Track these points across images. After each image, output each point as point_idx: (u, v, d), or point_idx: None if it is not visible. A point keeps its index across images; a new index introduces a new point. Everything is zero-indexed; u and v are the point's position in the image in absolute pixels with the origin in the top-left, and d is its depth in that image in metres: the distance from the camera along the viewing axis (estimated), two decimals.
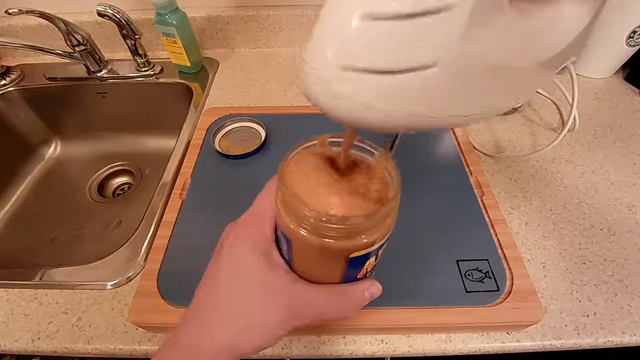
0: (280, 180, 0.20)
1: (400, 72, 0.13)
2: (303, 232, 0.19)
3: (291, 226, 0.19)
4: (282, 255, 0.23)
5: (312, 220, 0.18)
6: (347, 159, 0.21)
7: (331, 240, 0.19)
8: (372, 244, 0.20)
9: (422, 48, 0.13)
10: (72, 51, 0.59)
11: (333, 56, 0.14)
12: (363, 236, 0.19)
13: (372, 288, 0.23)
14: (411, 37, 0.12)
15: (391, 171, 0.21)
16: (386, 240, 0.21)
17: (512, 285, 0.34)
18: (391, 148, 0.22)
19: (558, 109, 0.57)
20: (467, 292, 0.34)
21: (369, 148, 0.21)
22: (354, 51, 0.13)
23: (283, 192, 0.19)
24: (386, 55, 0.13)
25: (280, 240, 0.22)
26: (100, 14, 0.54)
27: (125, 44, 0.60)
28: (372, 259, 0.22)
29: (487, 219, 0.40)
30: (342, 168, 0.21)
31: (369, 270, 0.23)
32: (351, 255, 0.20)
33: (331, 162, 0.21)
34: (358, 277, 0.23)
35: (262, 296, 0.21)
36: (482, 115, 0.17)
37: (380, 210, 0.18)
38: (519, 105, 0.55)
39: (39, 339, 0.34)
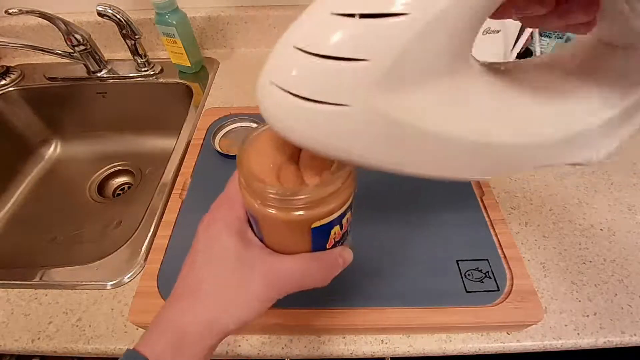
0: (238, 161, 0.21)
1: (315, 101, 0.15)
2: (264, 208, 0.20)
3: (254, 204, 0.20)
4: (255, 235, 0.24)
5: (269, 195, 0.19)
6: None
7: (291, 213, 0.20)
8: (331, 213, 0.21)
9: (335, 87, 0.14)
10: (72, 51, 0.59)
11: (266, 70, 0.16)
12: (321, 206, 0.20)
13: (344, 254, 0.24)
14: (323, 75, 0.14)
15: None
16: (347, 209, 0.22)
17: (512, 285, 0.34)
18: None
19: None
20: (467, 292, 0.34)
21: None
22: (279, 71, 0.16)
23: (241, 171, 0.21)
24: (299, 82, 0.15)
25: (250, 221, 0.24)
26: (100, 14, 0.54)
27: (125, 44, 0.60)
28: (336, 228, 0.22)
29: (487, 219, 0.40)
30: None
31: (337, 240, 0.24)
32: (313, 225, 0.21)
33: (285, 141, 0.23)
34: (327, 247, 0.24)
35: (239, 271, 0.22)
36: (404, 171, 0.18)
37: (328, 180, 0.19)
38: None
39: (39, 339, 0.34)
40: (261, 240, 0.24)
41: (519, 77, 0.18)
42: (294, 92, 0.15)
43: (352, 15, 0.13)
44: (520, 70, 0.19)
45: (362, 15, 0.13)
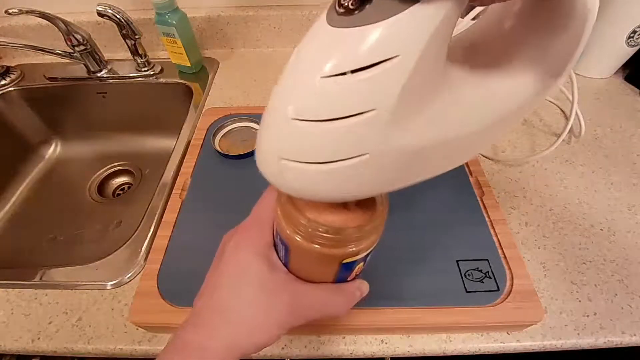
0: (281, 192, 0.21)
1: (335, 162, 0.15)
2: (300, 239, 0.20)
3: (288, 232, 0.20)
4: (278, 257, 0.24)
5: (309, 229, 0.19)
6: None
7: (325, 248, 0.20)
8: (364, 251, 0.21)
9: (350, 144, 0.15)
10: (72, 51, 0.59)
11: (270, 147, 0.16)
12: (353, 245, 0.20)
13: (362, 286, 0.25)
14: (336, 136, 0.14)
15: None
16: (375, 248, 0.22)
17: (512, 285, 0.34)
18: None
19: (562, 111, 0.57)
20: (467, 292, 0.34)
21: None
22: (288, 145, 0.15)
23: (283, 201, 0.21)
24: (313, 151, 0.15)
25: (277, 245, 0.23)
26: (100, 14, 0.54)
27: (125, 44, 0.60)
28: (361, 264, 0.23)
29: (487, 219, 0.40)
30: None
31: (357, 273, 0.25)
32: (344, 261, 0.21)
33: None
34: (348, 279, 0.25)
35: (265, 296, 0.22)
36: (425, 178, 0.19)
37: (370, 223, 0.20)
38: None
39: (39, 339, 0.34)
40: (285, 264, 0.24)
41: (476, 56, 0.19)
42: (311, 160, 0.15)
43: (343, 74, 0.13)
44: (472, 47, 0.20)
45: (354, 71, 0.13)
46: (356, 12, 0.13)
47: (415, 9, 0.12)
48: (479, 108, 0.18)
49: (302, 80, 0.14)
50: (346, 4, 0.13)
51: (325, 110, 0.14)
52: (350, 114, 0.14)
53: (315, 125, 0.14)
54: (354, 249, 0.20)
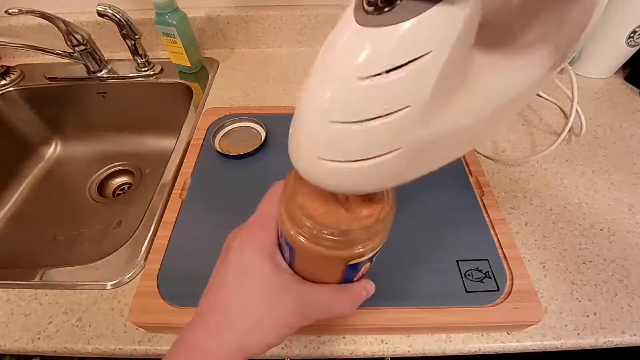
0: (286, 190, 0.21)
1: (372, 158, 0.15)
2: (304, 240, 0.20)
3: (292, 233, 0.20)
4: (283, 258, 0.24)
5: (314, 231, 0.19)
6: None
7: (329, 250, 0.20)
8: (371, 252, 0.21)
9: (386, 141, 0.15)
10: (72, 51, 0.59)
11: (310, 148, 0.17)
12: (360, 246, 0.20)
13: (367, 286, 0.25)
14: (373, 135, 0.15)
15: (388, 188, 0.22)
16: (381, 248, 0.22)
17: (512, 285, 0.34)
18: None
19: (562, 110, 0.57)
20: (467, 292, 0.34)
21: None
22: (326, 147, 0.16)
23: (287, 202, 0.21)
24: (352, 150, 0.15)
25: (282, 245, 0.23)
26: (100, 14, 0.54)
27: (125, 44, 0.60)
28: (367, 265, 0.23)
29: (487, 219, 0.40)
30: None
31: (364, 274, 0.25)
32: (350, 262, 0.21)
33: None
34: (354, 279, 0.24)
35: (270, 296, 0.22)
36: (449, 162, 0.20)
37: (376, 224, 0.20)
38: None
39: (39, 339, 0.34)
40: (289, 265, 0.23)
41: (490, 38, 0.19)
42: (351, 159, 0.16)
43: (379, 74, 0.13)
44: (486, 27, 0.19)
45: (389, 70, 0.13)
46: (386, 9, 0.13)
47: (443, 5, 0.13)
48: (494, 91, 0.18)
49: (339, 83, 0.15)
50: (376, 2, 0.13)
51: (363, 111, 0.14)
52: (387, 113, 0.14)
53: (354, 126, 0.15)
54: (360, 250, 0.20)
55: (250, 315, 0.21)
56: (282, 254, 0.24)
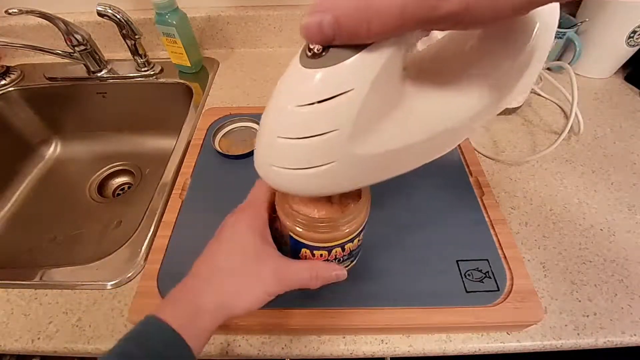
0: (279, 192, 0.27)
1: (311, 168, 0.19)
2: (293, 226, 0.26)
3: (286, 222, 0.26)
4: (274, 238, 0.29)
5: (299, 219, 0.26)
6: None
7: (313, 234, 0.26)
8: (338, 239, 0.27)
9: (320, 155, 0.19)
10: (72, 51, 0.59)
11: (263, 156, 0.21)
12: (344, 228, 0.26)
13: (340, 272, 0.28)
14: (309, 150, 0.19)
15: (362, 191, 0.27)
16: (354, 237, 0.28)
17: (512, 285, 0.34)
18: None
19: (562, 110, 0.57)
20: (467, 292, 0.34)
21: None
22: (276, 156, 0.20)
23: (280, 200, 0.27)
24: (294, 160, 0.20)
25: (271, 226, 0.29)
26: (100, 14, 0.54)
27: (125, 44, 0.60)
28: (338, 249, 0.28)
29: (487, 219, 0.40)
30: None
31: (337, 257, 0.29)
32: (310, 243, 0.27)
33: None
34: (329, 259, 0.29)
35: (254, 264, 0.26)
36: (393, 175, 0.23)
37: (343, 216, 0.26)
38: (519, 105, 0.55)
39: (39, 339, 0.34)
40: (276, 242, 0.28)
41: (432, 73, 0.22)
42: (294, 167, 0.20)
43: (312, 104, 0.17)
44: (430, 64, 0.23)
45: (320, 101, 0.17)
46: (323, 54, 0.17)
47: (363, 53, 0.16)
48: (432, 119, 0.22)
49: (283, 109, 0.19)
50: (314, 50, 0.17)
51: (300, 131, 0.18)
52: (319, 133, 0.18)
53: (293, 141, 0.19)
54: (334, 234, 0.26)
55: (236, 278, 0.25)
56: (272, 233, 0.29)
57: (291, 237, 0.27)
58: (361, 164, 0.20)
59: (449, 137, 0.24)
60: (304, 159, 0.19)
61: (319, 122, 0.18)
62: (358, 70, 0.17)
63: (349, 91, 0.17)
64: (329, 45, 0.16)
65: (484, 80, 0.22)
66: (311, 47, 0.17)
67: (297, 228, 0.26)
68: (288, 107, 0.18)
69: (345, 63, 0.16)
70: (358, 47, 0.16)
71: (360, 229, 0.28)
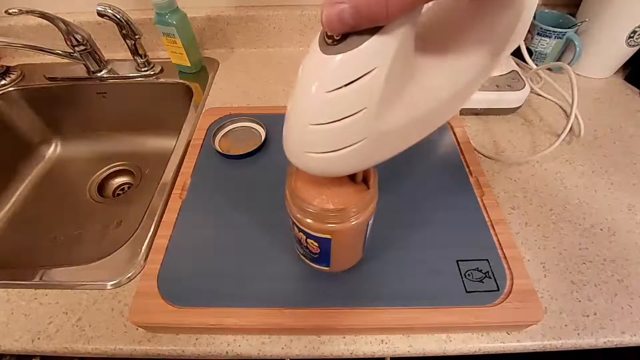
0: (289, 184, 0.27)
1: (344, 148, 0.21)
2: (303, 217, 0.27)
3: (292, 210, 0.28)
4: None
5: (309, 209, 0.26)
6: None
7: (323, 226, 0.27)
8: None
9: (352, 134, 0.20)
10: (72, 51, 0.59)
11: (296, 144, 0.22)
12: (352, 218, 0.27)
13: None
14: (341, 131, 0.20)
15: (371, 184, 0.28)
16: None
17: (512, 285, 0.34)
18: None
19: (562, 110, 0.57)
20: (467, 292, 0.34)
21: None
22: (307, 144, 0.21)
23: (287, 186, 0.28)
24: (327, 144, 0.21)
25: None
26: (100, 14, 0.54)
27: (125, 44, 0.60)
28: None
29: (487, 219, 0.40)
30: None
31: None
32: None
33: None
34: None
35: None
36: (409, 146, 0.24)
37: (349, 208, 0.26)
38: (519, 105, 0.55)
39: (39, 339, 0.34)
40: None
41: (433, 43, 0.23)
42: (328, 150, 0.21)
43: (340, 88, 0.18)
44: (429, 34, 0.24)
45: (347, 84, 0.18)
46: (342, 39, 0.17)
47: (381, 32, 0.17)
48: (441, 86, 0.23)
49: (312, 96, 0.19)
50: (333, 37, 0.18)
51: (332, 115, 0.19)
52: (350, 114, 0.19)
53: (326, 126, 0.20)
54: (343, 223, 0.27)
55: None
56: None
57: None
58: (387, 136, 0.21)
59: (459, 98, 0.25)
60: (337, 140, 0.20)
61: (348, 103, 0.19)
62: (378, 49, 0.17)
63: (372, 70, 0.18)
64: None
65: (480, 38, 0.23)
66: (329, 34, 0.18)
67: (307, 220, 0.27)
68: (317, 94, 0.19)
69: (366, 44, 0.17)
70: (376, 27, 0.17)
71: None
